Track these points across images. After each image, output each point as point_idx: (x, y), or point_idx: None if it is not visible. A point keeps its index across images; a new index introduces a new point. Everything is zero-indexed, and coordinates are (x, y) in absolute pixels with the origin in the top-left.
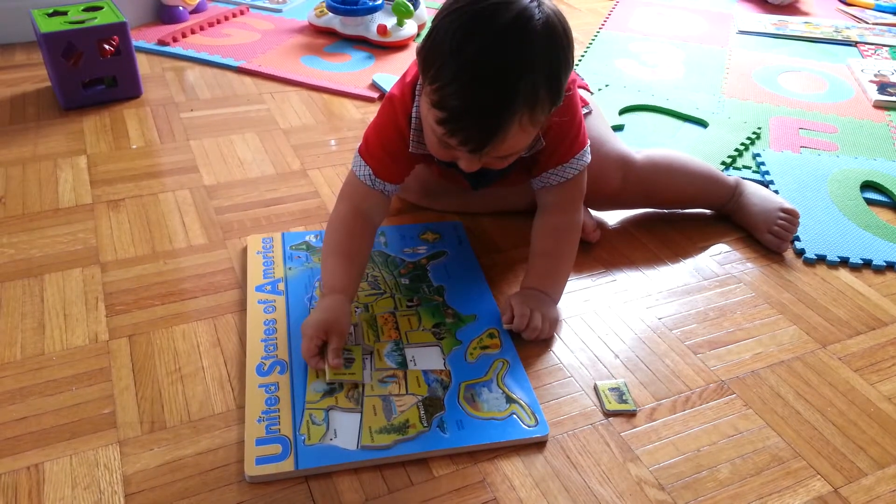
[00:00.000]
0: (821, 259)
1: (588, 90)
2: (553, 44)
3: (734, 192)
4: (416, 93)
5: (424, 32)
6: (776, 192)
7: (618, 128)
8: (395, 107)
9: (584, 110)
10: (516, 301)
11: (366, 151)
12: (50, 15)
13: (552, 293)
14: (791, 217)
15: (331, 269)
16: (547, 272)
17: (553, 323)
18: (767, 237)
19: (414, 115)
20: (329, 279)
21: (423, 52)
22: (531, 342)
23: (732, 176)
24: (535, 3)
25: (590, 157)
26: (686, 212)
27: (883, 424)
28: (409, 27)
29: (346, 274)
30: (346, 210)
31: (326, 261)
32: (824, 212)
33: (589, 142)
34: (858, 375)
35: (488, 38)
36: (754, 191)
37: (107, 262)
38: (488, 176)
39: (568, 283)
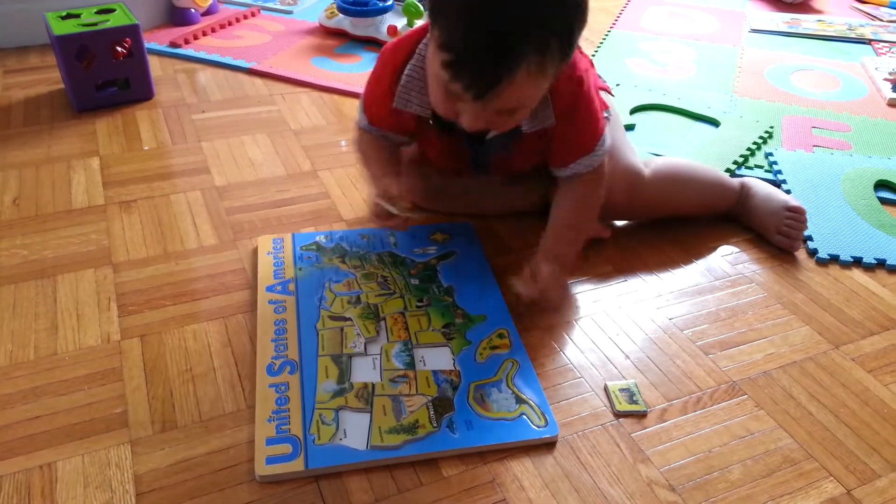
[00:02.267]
0: (833, 259)
1: (609, 92)
2: None
3: (740, 195)
4: (414, 52)
5: None
6: (788, 191)
7: (629, 127)
8: (385, 64)
9: (605, 114)
10: (545, 270)
11: (365, 105)
12: (63, 17)
13: (568, 262)
14: (798, 215)
15: (372, 168)
16: (568, 242)
17: (561, 289)
18: (777, 238)
19: (407, 72)
20: (372, 173)
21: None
22: (536, 331)
23: (737, 178)
24: None
25: (609, 143)
26: None
27: None
28: None
29: (384, 164)
30: (364, 138)
31: (367, 167)
32: (837, 211)
33: (608, 128)
34: (872, 376)
35: None
36: (759, 191)
37: (119, 263)
38: (490, 148)
39: (578, 283)
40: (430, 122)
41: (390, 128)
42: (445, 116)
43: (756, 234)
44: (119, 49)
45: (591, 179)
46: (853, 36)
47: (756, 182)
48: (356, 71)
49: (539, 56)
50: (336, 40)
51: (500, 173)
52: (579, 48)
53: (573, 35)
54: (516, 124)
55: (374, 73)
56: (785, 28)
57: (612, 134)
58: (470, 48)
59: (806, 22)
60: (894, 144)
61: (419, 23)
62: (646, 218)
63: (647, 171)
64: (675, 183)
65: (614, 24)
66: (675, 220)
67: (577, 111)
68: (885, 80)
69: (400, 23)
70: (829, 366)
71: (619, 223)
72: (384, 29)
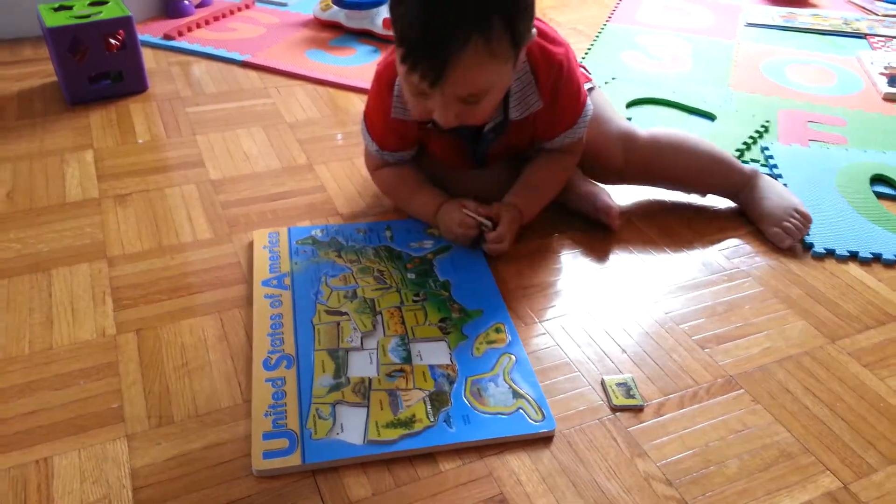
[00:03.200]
0: (830, 253)
1: (585, 70)
2: None
3: (749, 180)
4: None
5: None
6: (785, 185)
7: None
8: (380, 82)
9: (588, 85)
10: (504, 211)
11: (369, 126)
12: (56, 9)
13: (527, 217)
14: (803, 219)
15: (419, 201)
16: (535, 199)
17: (508, 241)
18: (773, 230)
19: (397, 82)
20: (424, 205)
21: (389, 4)
22: (533, 326)
23: (751, 167)
24: None
25: (591, 111)
26: (694, 205)
27: (893, 420)
28: None
29: (431, 192)
30: (384, 171)
31: (410, 203)
32: (833, 205)
33: (590, 100)
34: (868, 370)
35: None
36: (771, 185)
37: (114, 257)
38: (486, 139)
39: (575, 277)
40: (429, 125)
41: (397, 145)
42: (421, 117)
43: (753, 229)
44: (112, 41)
45: (569, 149)
46: (849, 30)
47: (771, 179)
48: (351, 64)
49: (483, 37)
50: (331, 33)
51: (499, 159)
52: (553, 36)
53: (518, 13)
54: (489, 112)
55: (372, 91)
56: (780, 22)
57: (600, 103)
58: (416, 36)
59: (801, 16)
60: (890, 139)
61: None
62: (643, 181)
63: (643, 133)
64: (672, 146)
65: (610, 17)
66: (672, 214)
67: (559, 91)
68: (881, 74)
69: None
70: (825, 360)
71: (617, 201)
72: (379, 21)
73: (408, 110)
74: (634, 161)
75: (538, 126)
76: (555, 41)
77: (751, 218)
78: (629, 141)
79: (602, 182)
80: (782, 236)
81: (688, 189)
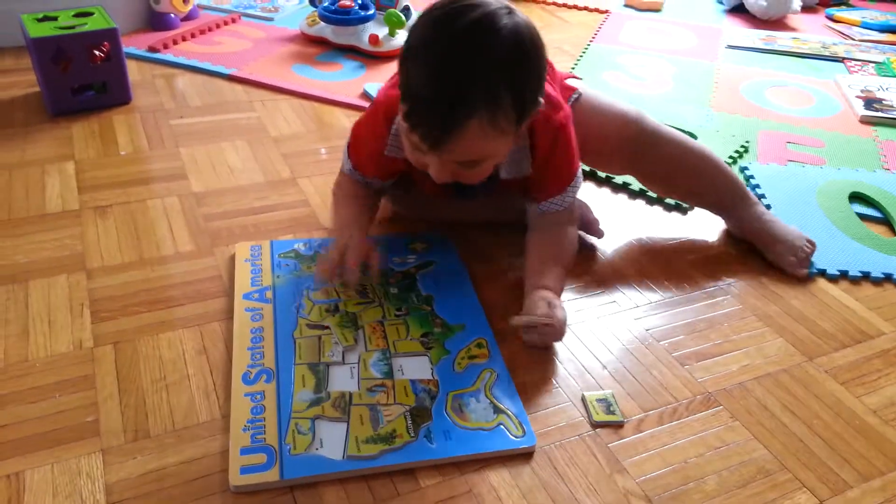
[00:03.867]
0: (821, 273)
1: (576, 77)
2: (518, 52)
3: (747, 198)
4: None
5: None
6: (768, 206)
7: None
8: (377, 112)
9: (574, 95)
10: (552, 300)
11: (351, 147)
12: (40, 20)
13: (559, 292)
14: (811, 246)
15: (341, 211)
16: (552, 272)
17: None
18: (790, 259)
19: (396, 119)
20: (338, 220)
21: (399, 55)
22: (522, 351)
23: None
24: (505, 10)
25: (581, 182)
26: (676, 222)
27: (868, 437)
28: (401, 37)
29: (358, 213)
30: (345, 182)
31: (337, 208)
32: (816, 223)
33: (580, 170)
34: (844, 388)
35: (451, 35)
36: (775, 217)
37: (93, 269)
38: (470, 192)
39: None
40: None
41: (375, 173)
42: (417, 166)
43: (734, 248)
44: (97, 53)
45: (563, 220)
46: (827, 54)
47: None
48: (337, 79)
49: (489, 113)
50: (317, 48)
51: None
52: (556, 101)
53: (525, 93)
54: (484, 176)
55: (367, 118)
56: (761, 45)
57: (597, 96)
58: (422, 101)
59: (781, 39)
60: (867, 160)
61: (400, 32)
62: (637, 170)
63: (648, 118)
64: (671, 143)
65: (594, 38)
66: (654, 231)
67: (554, 155)
68: (857, 97)
69: (381, 32)
70: (802, 378)
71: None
72: (365, 37)
73: (401, 150)
74: (629, 145)
75: (529, 186)
76: (557, 105)
77: (755, 239)
78: (626, 122)
79: (599, 168)
80: (798, 265)
81: (685, 191)
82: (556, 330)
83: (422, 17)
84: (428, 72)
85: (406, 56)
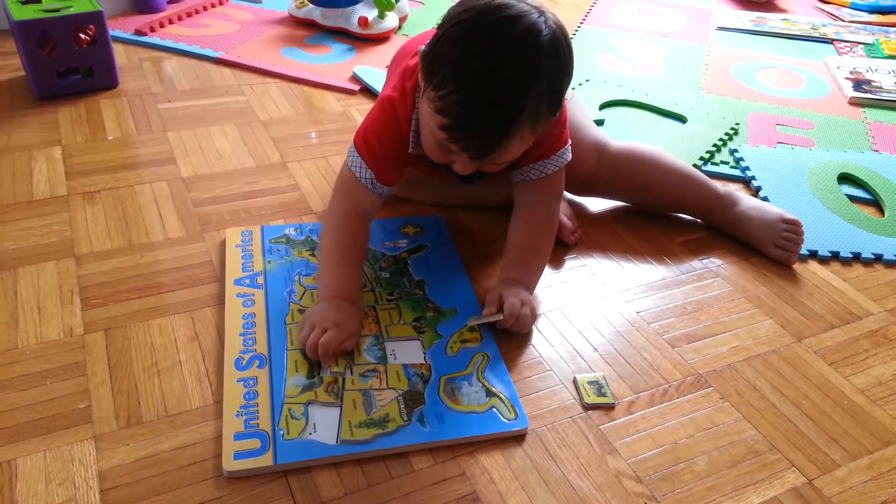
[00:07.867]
0: (812, 254)
1: None
2: (558, 58)
3: (723, 200)
4: (417, 96)
5: (428, 36)
6: (759, 187)
7: (598, 122)
8: (395, 110)
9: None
10: (506, 293)
11: (367, 154)
12: (23, 3)
13: (530, 285)
14: (794, 227)
15: (336, 272)
16: (526, 264)
17: (535, 315)
18: (776, 251)
19: (414, 117)
20: (335, 282)
21: (428, 58)
22: (510, 334)
23: (725, 188)
24: (542, 18)
25: (570, 155)
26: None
27: (856, 417)
28: (391, 20)
29: (352, 279)
30: (346, 209)
31: (329, 261)
32: (806, 205)
33: (570, 141)
34: (833, 368)
35: (497, 52)
36: (749, 203)
37: (82, 255)
38: (471, 178)
39: (547, 277)
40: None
41: (396, 178)
42: (438, 161)
43: (722, 232)
44: (82, 36)
45: (547, 195)
46: (816, 35)
47: (743, 195)
48: (326, 62)
49: (532, 122)
50: (306, 30)
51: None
52: None
53: (561, 96)
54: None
55: (381, 119)
56: (751, 26)
57: (575, 112)
58: (467, 119)
59: (771, 20)
60: (855, 141)
61: (390, 14)
62: (616, 193)
63: (617, 143)
64: (644, 159)
65: (584, 19)
66: (643, 215)
67: (548, 137)
68: (846, 78)
69: (371, 14)
70: (791, 358)
71: (589, 214)
72: (355, 20)
73: (420, 146)
74: (606, 171)
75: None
76: None
77: (742, 240)
78: (602, 149)
79: (572, 192)
80: (786, 255)
81: (660, 205)
82: (521, 325)
83: (457, 27)
84: (472, 91)
85: (441, 68)
